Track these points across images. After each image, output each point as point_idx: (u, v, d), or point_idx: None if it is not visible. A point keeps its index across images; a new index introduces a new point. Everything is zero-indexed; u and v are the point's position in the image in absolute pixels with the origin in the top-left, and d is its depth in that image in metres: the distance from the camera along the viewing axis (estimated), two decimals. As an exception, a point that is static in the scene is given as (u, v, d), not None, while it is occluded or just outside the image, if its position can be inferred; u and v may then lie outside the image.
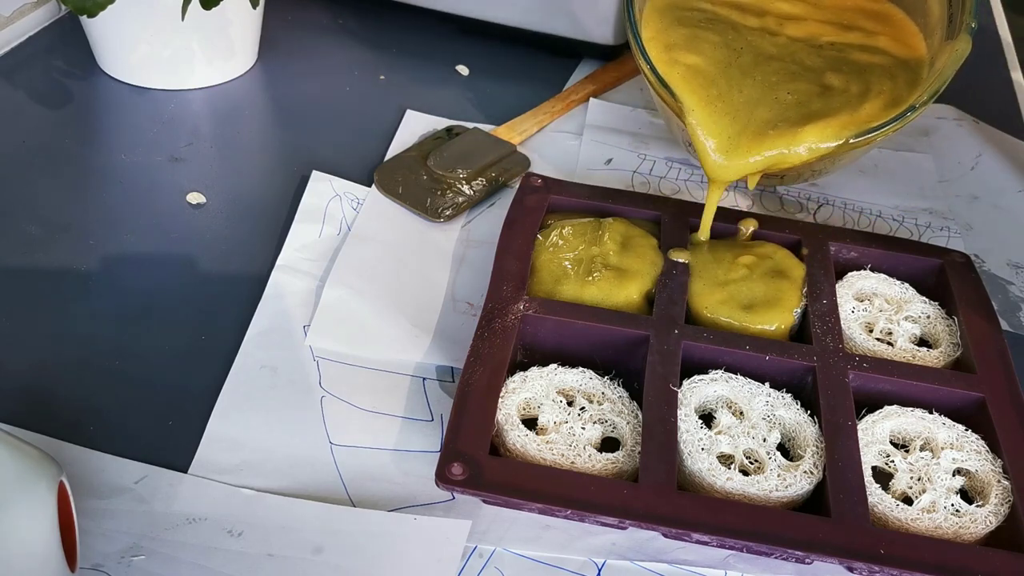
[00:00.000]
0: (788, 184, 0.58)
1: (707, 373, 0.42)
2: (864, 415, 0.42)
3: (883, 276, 0.49)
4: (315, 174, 0.55)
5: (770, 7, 0.56)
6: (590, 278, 0.46)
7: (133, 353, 0.44)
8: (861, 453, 0.39)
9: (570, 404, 0.41)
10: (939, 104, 0.67)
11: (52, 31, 0.68)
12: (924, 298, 0.48)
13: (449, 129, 0.60)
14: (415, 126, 0.61)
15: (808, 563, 0.37)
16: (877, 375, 0.43)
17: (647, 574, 0.37)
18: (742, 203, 0.57)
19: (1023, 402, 0.42)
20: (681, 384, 0.41)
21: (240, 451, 0.40)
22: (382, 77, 0.67)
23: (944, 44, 0.51)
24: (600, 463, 0.39)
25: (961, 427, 0.41)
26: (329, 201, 0.53)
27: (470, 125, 0.61)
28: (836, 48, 0.54)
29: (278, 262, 0.49)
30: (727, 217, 0.51)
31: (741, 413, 0.41)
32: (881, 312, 0.47)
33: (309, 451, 0.40)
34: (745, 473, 0.39)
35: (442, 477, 0.36)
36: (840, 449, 0.39)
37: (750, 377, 0.42)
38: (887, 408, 0.42)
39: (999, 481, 0.39)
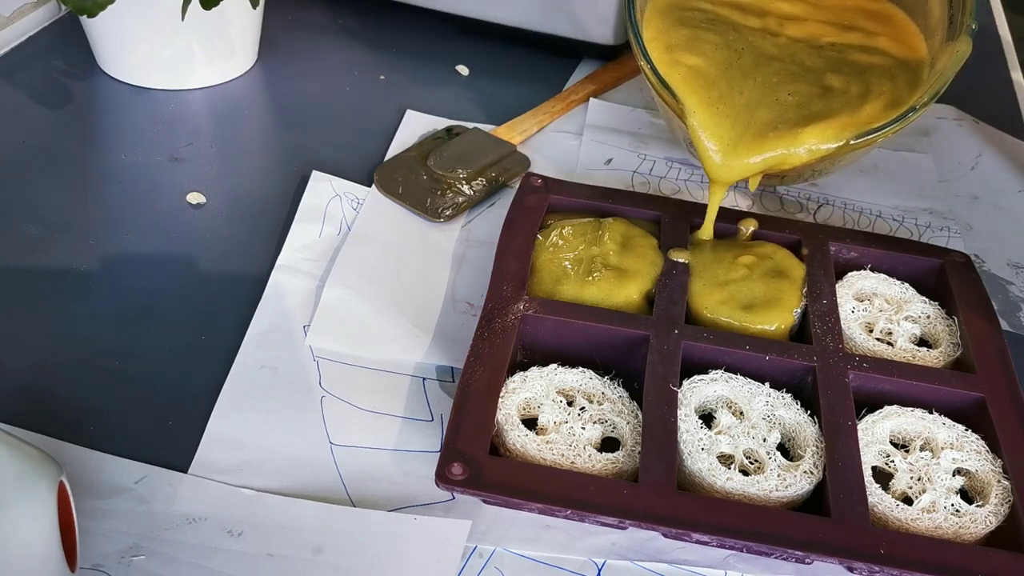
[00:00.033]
0: (788, 184, 0.58)
1: (707, 373, 0.42)
2: (864, 415, 0.42)
3: (883, 276, 0.49)
4: (315, 174, 0.55)
5: (771, 7, 0.56)
6: (590, 278, 0.46)
7: (133, 353, 0.44)
8: (861, 453, 0.39)
9: (570, 404, 0.41)
10: (939, 104, 0.67)
11: (52, 31, 0.68)
12: (924, 298, 0.48)
13: (449, 129, 0.60)
14: (415, 126, 0.61)
15: (808, 563, 0.37)
16: (877, 375, 0.43)
17: (647, 574, 0.37)
18: (742, 203, 0.57)
19: (1023, 402, 0.42)
20: (681, 384, 0.41)
21: (240, 451, 0.40)
22: (382, 77, 0.67)
23: (945, 45, 0.51)
24: (600, 463, 0.39)
25: (961, 427, 0.41)
26: (329, 201, 0.53)
27: (470, 125, 0.61)
28: (837, 49, 0.54)
29: (278, 262, 0.49)
30: (727, 217, 0.51)
31: (741, 413, 0.41)
32: (881, 312, 0.47)
33: (309, 451, 0.40)
34: (745, 473, 0.39)
35: (442, 477, 0.36)
36: (840, 449, 0.39)
37: (750, 377, 0.42)
38: (887, 408, 0.42)
39: (999, 481, 0.39)
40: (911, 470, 0.40)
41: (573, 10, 0.66)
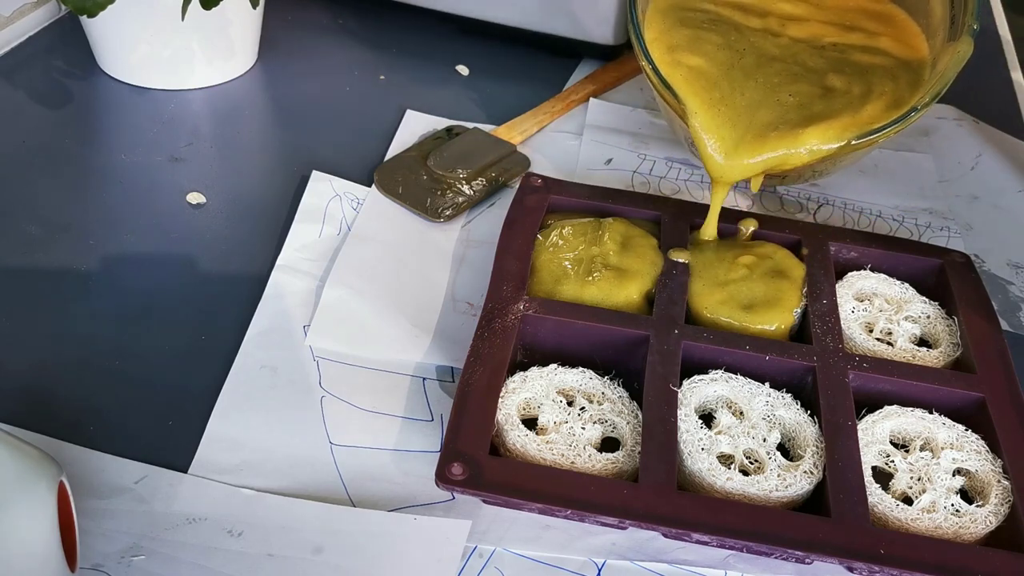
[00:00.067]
0: (789, 184, 0.58)
1: (707, 373, 0.42)
2: (864, 415, 0.42)
3: (883, 276, 0.49)
4: (315, 174, 0.55)
5: (772, 8, 0.56)
6: (590, 278, 0.46)
7: (133, 353, 0.44)
8: (861, 453, 0.39)
9: (570, 404, 0.41)
10: (939, 104, 0.66)
11: (52, 31, 0.68)
12: (924, 298, 0.48)
13: (449, 129, 0.60)
14: (415, 126, 0.61)
15: (808, 563, 0.37)
16: (877, 375, 0.43)
17: (647, 574, 0.37)
18: (742, 203, 0.57)
19: (1023, 402, 0.42)
20: (681, 384, 0.41)
21: (240, 451, 0.40)
22: (382, 77, 0.67)
23: (946, 45, 0.51)
24: (600, 463, 0.39)
25: (961, 427, 0.41)
26: (329, 201, 0.53)
27: (470, 125, 0.61)
28: (838, 49, 0.54)
29: (278, 262, 0.49)
30: (727, 217, 0.51)
31: (741, 413, 0.41)
32: (881, 312, 0.47)
33: (309, 451, 0.40)
34: (745, 473, 0.39)
35: (442, 477, 0.36)
36: (840, 449, 0.39)
37: (750, 377, 0.42)
38: (887, 408, 0.42)
39: (999, 481, 0.39)
40: (911, 470, 0.40)
41: (573, 10, 0.66)
